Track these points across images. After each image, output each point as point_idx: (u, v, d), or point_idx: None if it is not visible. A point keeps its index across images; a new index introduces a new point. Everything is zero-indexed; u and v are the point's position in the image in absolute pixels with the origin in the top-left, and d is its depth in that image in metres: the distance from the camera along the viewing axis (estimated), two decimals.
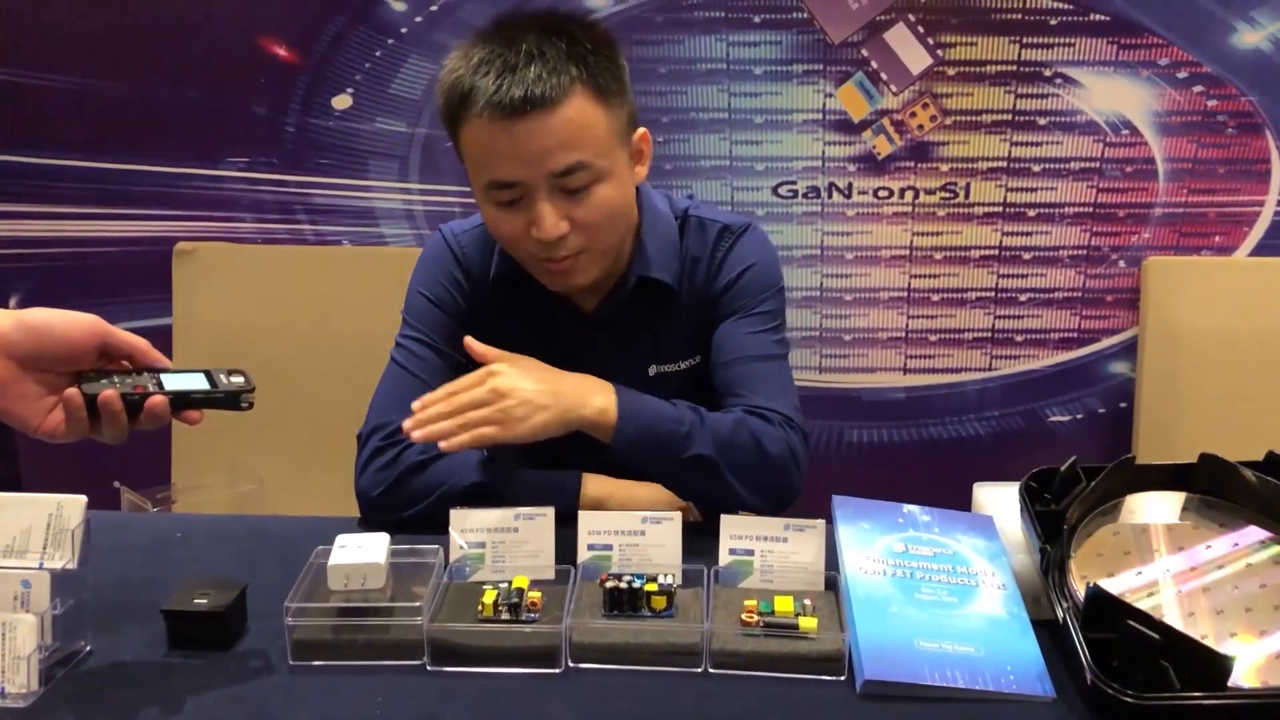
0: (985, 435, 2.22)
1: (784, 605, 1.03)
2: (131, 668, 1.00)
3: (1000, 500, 1.20)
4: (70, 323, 0.96)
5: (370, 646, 1.00)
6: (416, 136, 2.09)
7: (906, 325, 2.17)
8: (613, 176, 1.24)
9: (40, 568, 0.97)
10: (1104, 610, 0.95)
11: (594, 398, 1.24)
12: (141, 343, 0.99)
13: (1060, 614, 0.99)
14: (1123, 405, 2.17)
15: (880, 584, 1.05)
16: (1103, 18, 1.96)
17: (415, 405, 1.20)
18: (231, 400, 1.01)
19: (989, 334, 2.17)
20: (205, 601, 1.03)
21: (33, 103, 2.10)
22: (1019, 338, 2.17)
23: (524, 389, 1.20)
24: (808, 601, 1.04)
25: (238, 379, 1.02)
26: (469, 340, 1.27)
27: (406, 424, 1.19)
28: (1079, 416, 2.20)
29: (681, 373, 1.42)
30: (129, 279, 2.15)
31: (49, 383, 0.97)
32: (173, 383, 0.99)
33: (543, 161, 1.18)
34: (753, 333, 1.37)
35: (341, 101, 2.08)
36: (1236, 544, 1.07)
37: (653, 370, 1.42)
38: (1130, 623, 0.92)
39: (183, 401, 0.99)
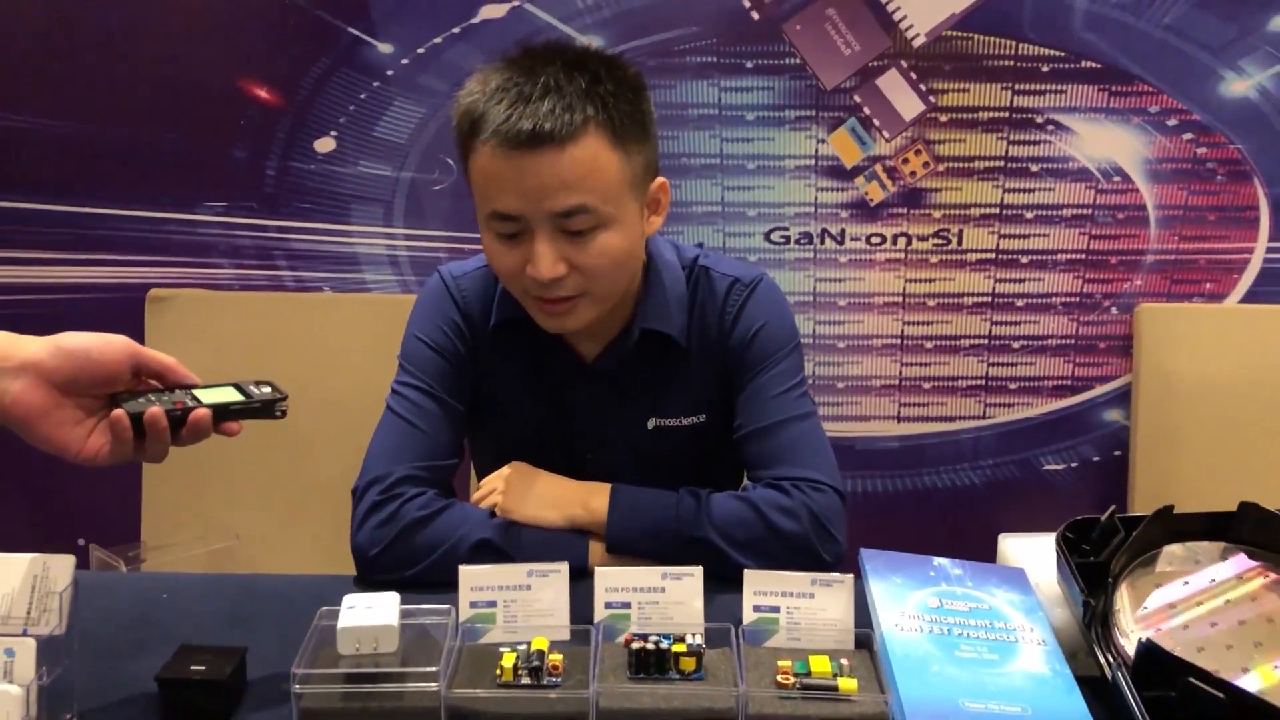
0: (980, 484, 2.19)
1: (820, 665, 0.98)
2: None
3: (1029, 552, 1.16)
4: (105, 344, 0.94)
5: (383, 715, 0.94)
6: (402, 180, 2.04)
7: (900, 373, 2.15)
8: (619, 224, 1.19)
9: (25, 634, 0.90)
10: (1158, 667, 0.90)
11: (589, 499, 1.25)
12: (171, 360, 0.98)
13: (1108, 671, 0.95)
14: (1116, 453, 2.15)
15: (918, 641, 1.01)
16: (1094, 65, 1.97)
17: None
18: (267, 409, 1.00)
19: (983, 382, 2.15)
20: (203, 669, 0.96)
21: (3, 145, 2.03)
22: (1013, 385, 2.15)
23: (523, 484, 1.27)
24: (844, 661, 0.99)
25: (266, 389, 1.01)
26: None
27: None
28: (1073, 465, 2.18)
29: (683, 429, 1.37)
30: (100, 327, 2.00)
31: (85, 406, 0.94)
32: (208, 397, 0.98)
33: (544, 199, 1.15)
34: (772, 397, 1.32)
35: (324, 145, 2.03)
36: (1214, 579, 1.04)
37: (652, 424, 1.37)
38: (1192, 680, 0.87)
39: (222, 414, 0.97)
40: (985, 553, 1.19)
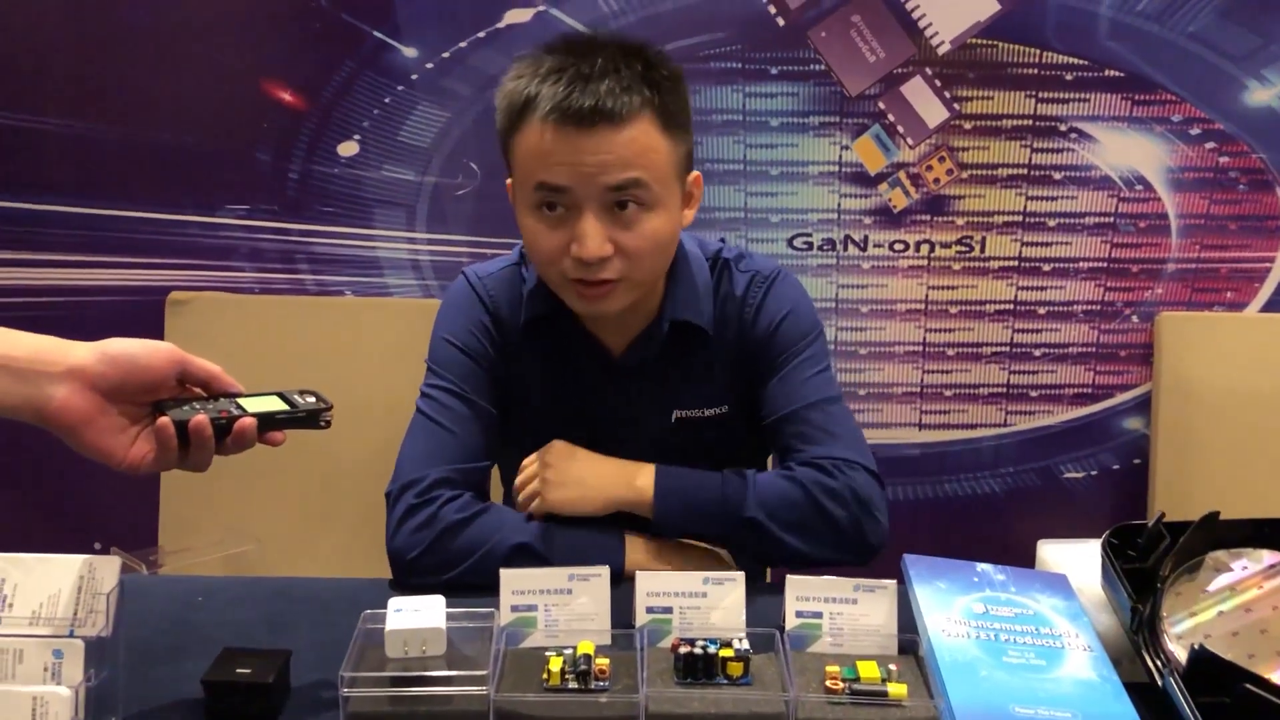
0: (1000, 492, 2.18)
1: (869, 671, 0.98)
2: None
3: (1069, 558, 1.15)
4: (151, 351, 0.93)
5: (431, 718, 0.93)
6: (425, 185, 2.04)
7: (922, 380, 2.14)
8: (664, 208, 1.21)
9: (71, 635, 0.89)
10: (1210, 673, 0.90)
11: (634, 479, 1.24)
12: (216, 369, 0.97)
13: (1158, 677, 0.94)
14: (1136, 462, 2.15)
15: (965, 646, 1.00)
16: (1117, 73, 1.97)
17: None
18: (312, 419, 1.00)
19: (1004, 389, 2.15)
20: (249, 671, 0.96)
21: (24, 146, 2.03)
22: (1034, 393, 2.15)
23: (565, 463, 1.25)
24: (892, 666, 0.99)
25: (310, 398, 1.01)
26: None
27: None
28: (1093, 473, 2.17)
29: (706, 420, 1.37)
30: (120, 330, 1.99)
31: (129, 414, 0.93)
32: (253, 406, 0.97)
33: (599, 174, 1.16)
34: (802, 381, 1.33)
35: (348, 148, 2.03)
36: (1248, 567, 1.06)
37: (675, 415, 1.37)
38: (1249, 687, 0.87)
39: (266, 423, 0.96)
40: (1006, 561, 1.17)
